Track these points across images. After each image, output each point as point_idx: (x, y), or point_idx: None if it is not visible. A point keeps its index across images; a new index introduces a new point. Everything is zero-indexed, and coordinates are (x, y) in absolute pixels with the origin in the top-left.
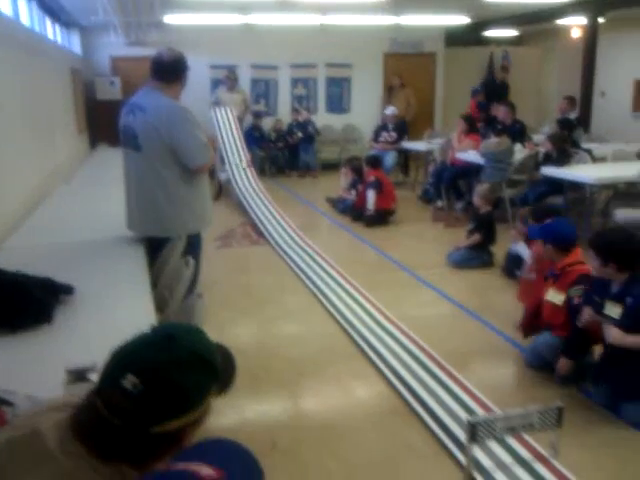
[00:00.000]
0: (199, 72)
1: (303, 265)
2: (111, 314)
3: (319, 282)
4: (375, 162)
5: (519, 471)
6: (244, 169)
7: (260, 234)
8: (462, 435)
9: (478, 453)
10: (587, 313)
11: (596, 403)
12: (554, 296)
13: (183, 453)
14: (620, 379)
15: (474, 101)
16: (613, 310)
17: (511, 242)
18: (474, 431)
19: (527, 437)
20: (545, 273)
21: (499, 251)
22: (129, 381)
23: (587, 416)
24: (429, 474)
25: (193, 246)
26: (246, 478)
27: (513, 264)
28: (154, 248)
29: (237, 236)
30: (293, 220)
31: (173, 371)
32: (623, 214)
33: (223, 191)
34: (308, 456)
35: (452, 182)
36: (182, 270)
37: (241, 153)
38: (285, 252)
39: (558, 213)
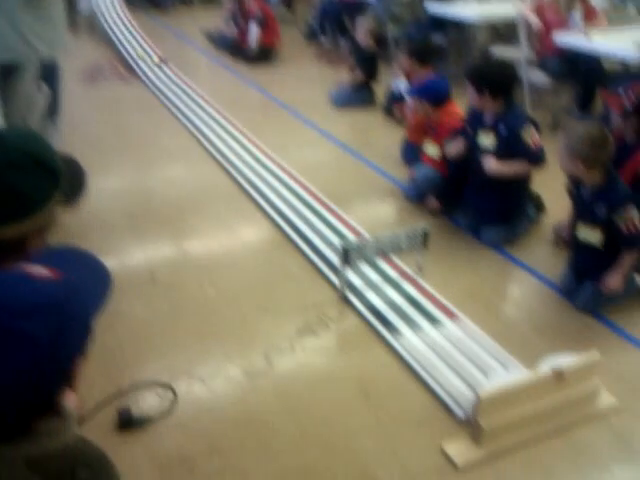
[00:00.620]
0: None
1: (180, 104)
2: None
3: (198, 122)
4: None
5: (387, 289)
6: (157, 65)
7: (131, 70)
8: (336, 260)
9: (351, 275)
10: (456, 145)
11: (461, 229)
12: (431, 150)
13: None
14: (482, 205)
15: None
16: (486, 140)
17: (393, 79)
18: (347, 255)
19: (396, 259)
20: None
21: (381, 90)
22: None
23: (452, 240)
24: (305, 295)
25: (48, 75)
26: (94, 285)
27: (394, 102)
28: (4, 76)
29: (105, 72)
30: (167, 56)
31: (6, 174)
32: (499, 51)
33: (87, 23)
34: (188, 286)
35: (337, 19)
36: (35, 99)
37: (144, 46)
38: (160, 90)
39: (439, 51)
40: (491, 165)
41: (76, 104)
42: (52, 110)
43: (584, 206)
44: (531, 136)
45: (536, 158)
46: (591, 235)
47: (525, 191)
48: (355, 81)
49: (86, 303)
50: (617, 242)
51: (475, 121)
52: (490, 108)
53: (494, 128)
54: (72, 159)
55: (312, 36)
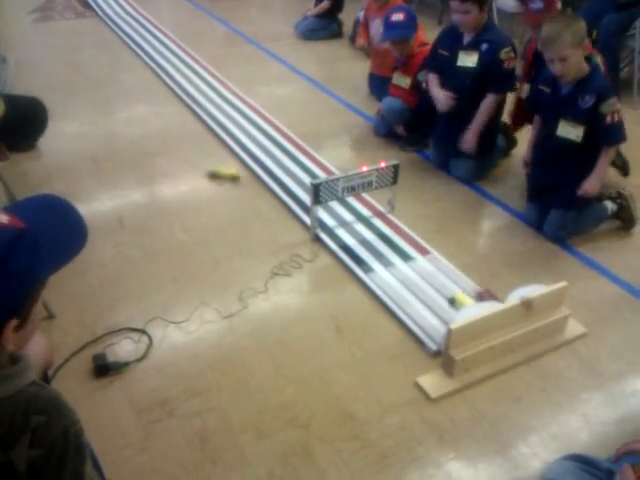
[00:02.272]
0: None
1: (140, 40)
2: None
3: (159, 58)
4: None
5: (359, 226)
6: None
7: (86, 5)
8: (308, 199)
9: (322, 214)
10: (447, 99)
11: (432, 164)
12: (400, 80)
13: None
14: (453, 139)
15: None
16: (468, 59)
17: (360, 8)
18: (317, 192)
19: (367, 196)
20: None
21: (348, 20)
22: None
23: (422, 175)
24: (278, 236)
25: None
26: (63, 239)
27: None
28: None
29: (58, 7)
30: None
31: None
32: None
33: None
34: (159, 230)
35: None
36: None
37: None
38: (117, 25)
39: None
40: (469, 141)
41: (30, 44)
42: None
43: (564, 104)
44: (507, 58)
45: (505, 83)
46: (572, 132)
47: (496, 123)
48: (320, 10)
49: (38, 260)
50: (596, 138)
51: (452, 43)
52: (477, 24)
53: (476, 47)
54: (33, 98)
55: None
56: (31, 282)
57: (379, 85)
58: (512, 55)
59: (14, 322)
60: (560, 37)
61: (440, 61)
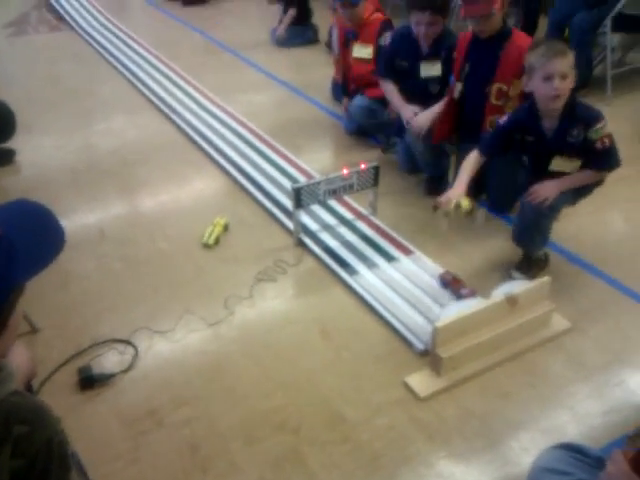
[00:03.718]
0: None
1: (115, 51)
2: None
3: (135, 68)
4: None
5: (342, 229)
6: None
7: (60, 18)
8: (289, 203)
9: (305, 219)
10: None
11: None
12: (361, 51)
13: None
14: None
15: None
16: (432, 69)
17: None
18: (299, 196)
19: (348, 199)
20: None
21: (324, 26)
22: None
23: (403, 176)
24: (261, 242)
25: None
26: (42, 239)
27: None
28: None
29: (32, 21)
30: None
31: None
32: None
33: None
34: (140, 241)
35: None
36: None
37: None
38: (92, 37)
39: None
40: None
41: (6, 59)
42: None
43: (553, 144)
44: None
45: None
46: (568, 165)
47: None
48: (291, 21)
49: (13, 266)
50: (588, 164)
51: (410, 53)
52: (437, 31)
53: (437, 55)
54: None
55: None
56: (7, 289)
57: (341, 91)
58: None
59: None
60: (568, 53)
61: (398, 71)
